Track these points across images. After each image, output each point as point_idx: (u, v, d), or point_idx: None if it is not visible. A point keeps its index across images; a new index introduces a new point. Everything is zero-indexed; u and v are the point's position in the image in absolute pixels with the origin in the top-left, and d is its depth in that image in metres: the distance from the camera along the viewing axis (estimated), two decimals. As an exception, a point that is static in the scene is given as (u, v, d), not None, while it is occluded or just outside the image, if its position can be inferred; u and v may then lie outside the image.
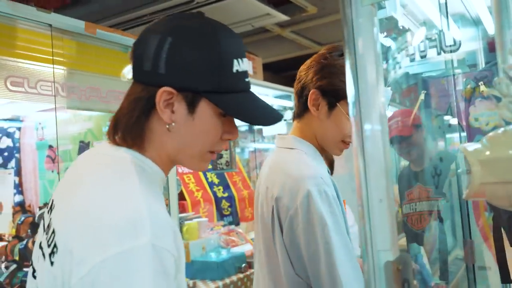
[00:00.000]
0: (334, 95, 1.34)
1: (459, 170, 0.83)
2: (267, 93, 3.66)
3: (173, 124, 0.89)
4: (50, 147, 2.61)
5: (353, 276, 1.21)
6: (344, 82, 1.33)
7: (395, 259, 0.82)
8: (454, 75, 1.47)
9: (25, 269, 2.16)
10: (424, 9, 1.65)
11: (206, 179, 3.77)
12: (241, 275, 2.95)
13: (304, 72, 1.41)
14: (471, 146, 0.82)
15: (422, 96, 1.52)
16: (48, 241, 0.86)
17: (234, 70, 0.89)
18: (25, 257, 2.24)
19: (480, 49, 1.68)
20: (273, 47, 4.45)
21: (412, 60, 1.55)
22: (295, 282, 1.30)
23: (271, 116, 0.95)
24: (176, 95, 0.87)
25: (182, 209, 3.40)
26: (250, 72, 3.33)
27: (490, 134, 0.81)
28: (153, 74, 0.87)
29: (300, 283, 1.29)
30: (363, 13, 0.81)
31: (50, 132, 2.61)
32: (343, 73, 1.33)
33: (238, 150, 4.28)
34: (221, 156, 3.28)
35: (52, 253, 0.83)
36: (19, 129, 2.78)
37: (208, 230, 3.26)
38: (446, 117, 1.69)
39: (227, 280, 2.85)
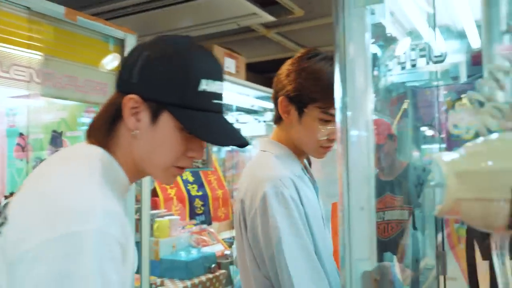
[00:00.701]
0: (301, 100, 1.34)
1: (432, 183, 0.77)
2: (248, 93, 3.62)
3: (136, 131, 0.94)
4: (21, 135, 2.52)
5: (309, 279, 1.21)
6: (309, 86, 1.32)
7: (373, 270, 0.80)
8: (437, 86, 1.48)
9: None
10: (411, 19, 1.65)
11: (181, 177, 3.71)
12: (210, 276, 2.92)
13: (276, 78, 1.42)
14: (447, 156, 0.74)
15: (405, 105, 1.52)
16: (1, 214, 0.90)
17: (200, 88, 0.93)
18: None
19: (463, 62, 1.69)
20: (257, 48, 4.42)
21: (403, 68, 1.55)
22: (263, 284, 1.30)
23: (230, 138, 0.99)
24: (142, 104, 0.93)
25: (154, 205, 3.34)
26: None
27: (469, 143, 0.75)
28: (127, 83, 0.95)
29: (267, 285, 1.29)
30: (356, 15, 0.79)
31: (22, 120, 2.51)
32: (309, 78, 1.33)
33: (215, 149, 4.24)
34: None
35: (1, 224, 0.87)
36: (-12, 114, 2.67)
37: (179, 229, 3.21)
38: (426, 128, 1.69)
39: (196, 280, 2.81)
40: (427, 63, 1.46)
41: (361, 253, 0.80)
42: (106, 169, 0.92)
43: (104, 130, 0.96)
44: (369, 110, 0.83)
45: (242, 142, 0.99)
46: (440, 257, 1.46)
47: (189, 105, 0.92)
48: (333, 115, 1.31)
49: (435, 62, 1.43)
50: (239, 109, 3.82)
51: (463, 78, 1.78)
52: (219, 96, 0.98)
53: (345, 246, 0.80)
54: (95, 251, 0.77)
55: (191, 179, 3.80)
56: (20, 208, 0.86)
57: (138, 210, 2.39)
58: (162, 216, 3.14)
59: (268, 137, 1.49)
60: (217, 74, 0.98)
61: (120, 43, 2.32)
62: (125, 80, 0.95)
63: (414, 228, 1.56)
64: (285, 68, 1.40)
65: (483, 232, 1.39)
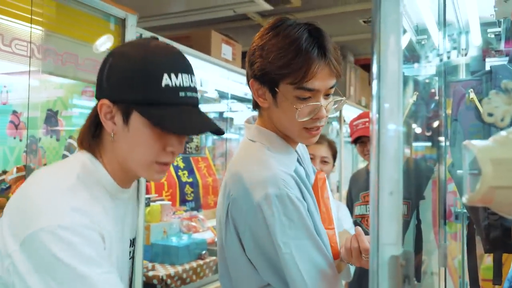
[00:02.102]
0: (270, 79, 1.17)
1: (459, 171, 0.78)
2: (242, 81, 3.60)
3: (113, 134, 0.99)
4: (14, 112, 2.46)
5: (327, 281, 1.15)
6: (274, 61, 1.12)
7: (399, 254, 0.80)
8: (445, 82, 1.48)
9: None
10: (422, 13, 1.66)
11: (172, 163, 3.67)
12: (200, 262, 2.91)
13: (246, 59, 1.27)
14: (479, 143, 0.74)
15: (414, 97, 1.52)
16: None
17: (163, 84, 0.94)
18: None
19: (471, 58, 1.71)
20: (251, 37, 4.40)
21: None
22: (247, 277, 1.21)
23: (199, 127, 1.01)
24: (113, 107, 0.97)
25: (146, 190, 3.31)
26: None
27: (502, 132, 0.76)
28: (100, 90, 1.00)
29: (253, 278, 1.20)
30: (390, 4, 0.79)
31: (15, 97, 2.45)
32: (272, 51, 1.13)
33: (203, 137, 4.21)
34: (191, 140, 3.21)
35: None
36: (-20, 90, 2.60)
37: (170, 214, 3.19)
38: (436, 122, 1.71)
39: (186, 266, 2.80)
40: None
41: (388, 237, 0.81)
42: (86, 172, 0.98)
43: (90, 136, 1.03)
44: (400, 101, 0.84)
45: (212, 129, 1.01)
46: (441, 249, 1.48)
47: (154, 101, 0.94)
48: (309, 90, 1.15)
49: (448, 58, 1.44)
50: (233, 97, 3.80)
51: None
52: (186, 88, 0.98)
53: (373, 230, 0.81)
54: (65, 241, 0.85)
55: (182, 165, 3.77)
56: (6, 210, 0.94)
57: (133, 194, 2.36)
58: (154, 201, 3.12)
59: (254, 122, 1.31)
60: (182, 67, 0.98)
61: (121, 23, 2.28)
62: (99, 87, 1.01)
63: (418, 220, 1.57)
64: (251, 47, 1.23)
65: (487, 228, 1.41)
